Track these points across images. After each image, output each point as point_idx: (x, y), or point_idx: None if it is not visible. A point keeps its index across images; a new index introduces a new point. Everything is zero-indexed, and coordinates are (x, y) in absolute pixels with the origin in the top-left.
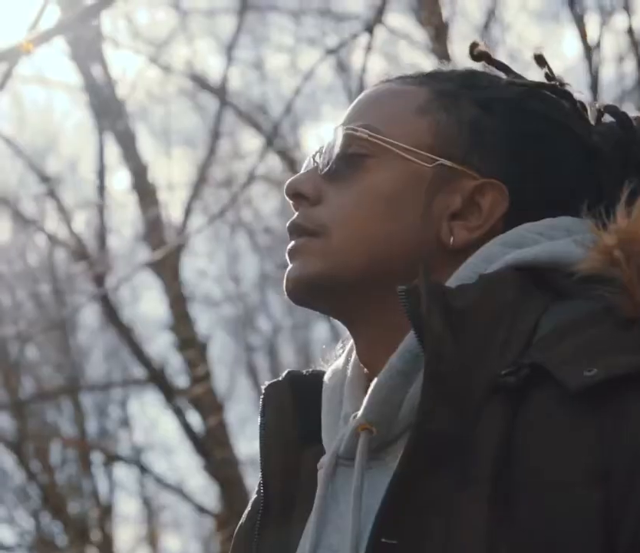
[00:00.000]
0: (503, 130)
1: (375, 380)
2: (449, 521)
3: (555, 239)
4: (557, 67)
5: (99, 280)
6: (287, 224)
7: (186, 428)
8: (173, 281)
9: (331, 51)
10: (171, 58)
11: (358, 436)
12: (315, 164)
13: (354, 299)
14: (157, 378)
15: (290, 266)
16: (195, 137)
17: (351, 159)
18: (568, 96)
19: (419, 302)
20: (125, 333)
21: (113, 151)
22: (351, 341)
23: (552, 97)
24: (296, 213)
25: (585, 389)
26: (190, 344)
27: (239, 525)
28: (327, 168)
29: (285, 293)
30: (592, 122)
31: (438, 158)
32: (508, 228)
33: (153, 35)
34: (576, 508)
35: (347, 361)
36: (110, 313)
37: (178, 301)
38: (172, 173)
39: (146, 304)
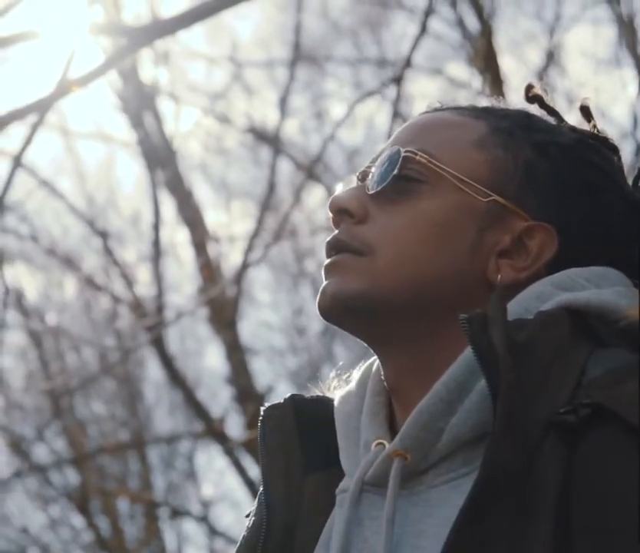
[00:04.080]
0: (557, 176)
1: (417, 406)
2: None
3: (601, 287)
4: (618, 113)
5: (156, 333)
6: (327, 239)
7: (247, 481)
8: (230, 333)
9: (359, 100)
10: (229, 111)
11: (390, 462)
12: (360, 183)
13: (390, 324)
14: (216, 431)
15: (327, 281)
16: (254, 189)
17: (404, 182)
18: (616, 151)
19: (483, 331)
20: (183, 386)
21: (170, 205)
22: (364, 367)
23: (604, 149)
24: (337, 230)
25: None
26: (249, 396)
27: (236, 550)
28: (377, 188)
29: (318, 308)
30: (633, 178)
31: (492, 194)
32: (552, 272)
33: (210, 88)
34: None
35: (361, 387)
36: (169, 367)
37: (236, 353)
38: (231, 226)
39: (212, 358)
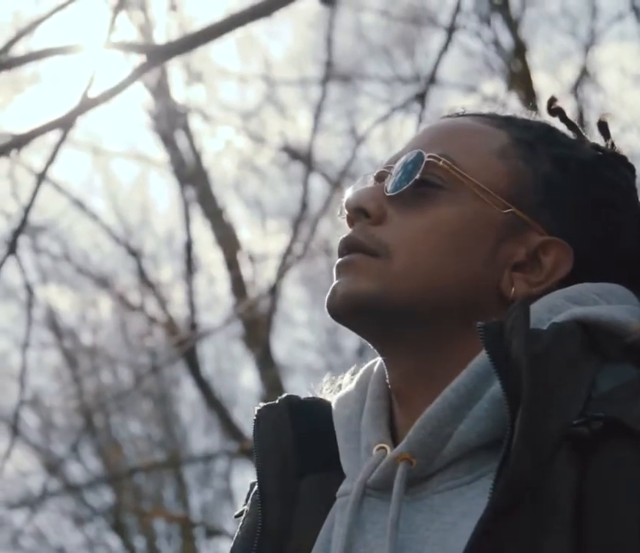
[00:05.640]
0: (576, 192)
1: (426, 411)
2: None
3: (611, 303)
4: None
5: (188, 348)
6: (341, 238)
7: None
8: (263, 351)
9: (382, 119)
10: (261, 129)
11: (395, 466)
12: (377, 183)
13: (401, 328)
14: (251, 450)
15: (338, 280)
16: (287, 207)
17: (425, 186)
18: (633, 170)
19: (499, 339)
20: (217, 406)
21: (204, 224)
22: (362, 371)
23: (622, 167)
24: (352, 229)
25: None
26: None
27: (230, 550)
28: (397, 190)
29: (328, 307)
30: None
31: (511, 206)
32: (563, 285)
33: (243, 107)
34: None
35: (361, 390)
36: (203, 387)
37: (270, 371)
38: (264, 244)
39: (247, 377)
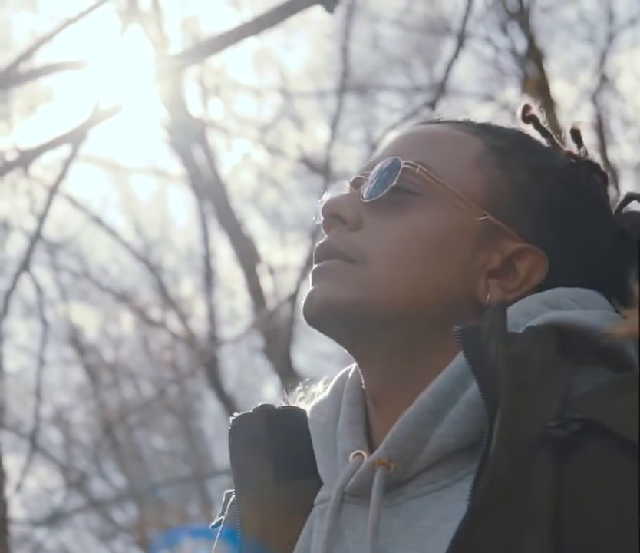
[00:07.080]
0: (550, 200)
1: (403, 416)
2: None
3: (587, 308)
4: None
5: (209, 360)
6: (317, 244)
7: None
8: (284, 363)
9: (393, 128)
10: (279, 142)
11: (373, 472)
12: (354, 189)
13: (376, 334)
14: None
15: (314, 286)
16: (306, 219)
17: (401, 193)
18: (606, 178)
19: (476, 342)
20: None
21: (223, 237)
22: (337, 377)
23: (596, 176)
24: (328, 235)
25: None
26: None
27: None
28: (373, 197)
29: (304, 313)
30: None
31: (487, 214)
32: (538, 292)
33: (260, 120)
34: None
35: (336, 397)
36: (225, 401)
37: (290, 382)
38: (284, 256)
39: (270, 391)
